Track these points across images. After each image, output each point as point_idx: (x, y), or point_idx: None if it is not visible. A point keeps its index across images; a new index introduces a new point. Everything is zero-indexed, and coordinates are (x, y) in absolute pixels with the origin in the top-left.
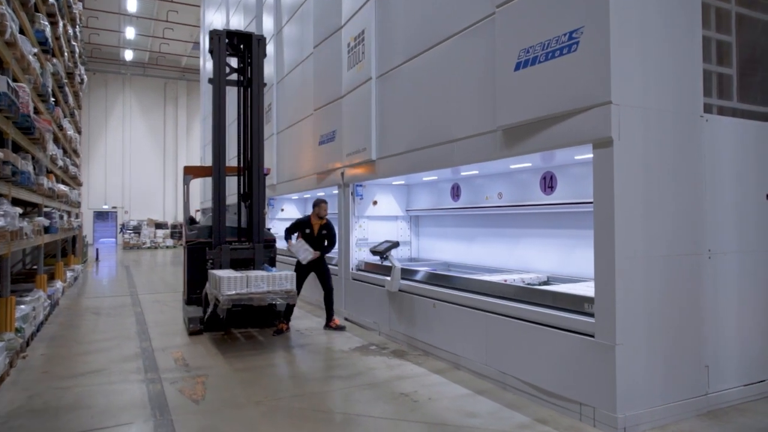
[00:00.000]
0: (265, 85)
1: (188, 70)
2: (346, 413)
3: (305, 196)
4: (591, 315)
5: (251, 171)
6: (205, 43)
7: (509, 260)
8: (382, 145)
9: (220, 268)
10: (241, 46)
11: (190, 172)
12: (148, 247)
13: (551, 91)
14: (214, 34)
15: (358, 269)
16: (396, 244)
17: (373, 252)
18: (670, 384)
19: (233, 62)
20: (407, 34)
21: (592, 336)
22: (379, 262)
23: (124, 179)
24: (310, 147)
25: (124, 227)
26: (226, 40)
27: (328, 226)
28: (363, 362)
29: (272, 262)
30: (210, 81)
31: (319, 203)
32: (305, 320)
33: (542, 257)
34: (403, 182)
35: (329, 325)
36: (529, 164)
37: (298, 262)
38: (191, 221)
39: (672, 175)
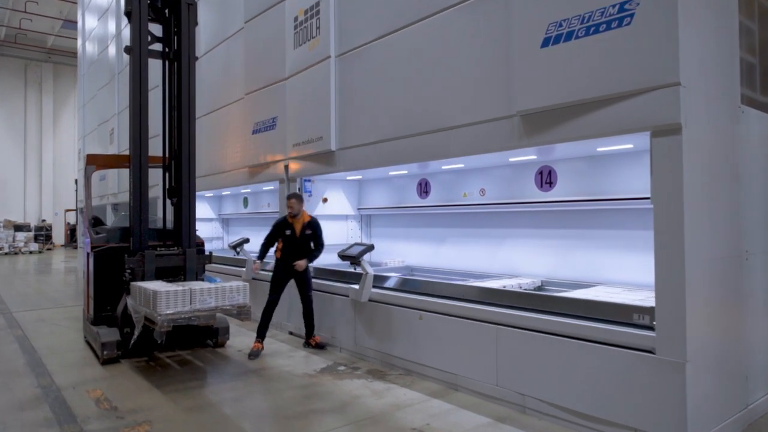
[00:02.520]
0: (197, 58)
1: (56, 51)
2: None
3: (224, 192)
4: (647, 328)
5: (179, 161)
6: (83, 21)
7: (492, 264)
8: (344, 134)
9: (143, 279)
10: (166, 11)
11: (95, 162)
12: (6, 253)
13: (593, 70)
14: None
15: None
16: (371, 248)
17: (343, 257)
18: (722, 400)
19: (155, 32)
20: (381, 6)
21: (651, 352)
22: (352, 268)
23: None
24: (240, 136)
25: None
26: (148, 2)
27: (313, 225)
28: (341, 389)
29: (203, 271)
30: (126, 50)
31: (288, 197)
32: (242, 337)
33: (533, 260)
34: (359, 177)
35: (308, 342)
36: (534, 157)
37: (277, 268)
38: (96, 222)
39: (719, 169)
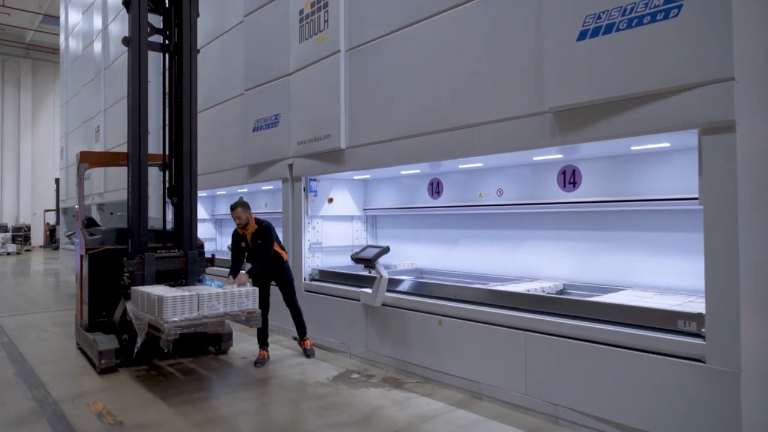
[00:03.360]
0: (198, 51)
1: (35, 46)
2: None
3: (218, 192)
4: (694, 335)
5: (180, 159)
6: (66, 16)
7: (508, 267)
8: (354, 132)
9: (142, 283)
10: (167, 1)
11: (89, 160)
12: None
13: (636, 65)
14: None
15: (312, 279)
16: (386, 250)
17: (357, 259)
18: None
19: (155, 23)
20: None
21: (700, 361)
22: (364, 271)
23: None
24: (238, 134)
25: None
26: None
27: (262, 232)
28: (360, 399)
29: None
30: (125, 41)
31: (232, 208)
32: (245, 343)
33: (553, 262)
34: (368, 176)
35: (300, 344)
36: (560, 156)
37: (260, 264)
38: (89, 222)
39: (760, 168)
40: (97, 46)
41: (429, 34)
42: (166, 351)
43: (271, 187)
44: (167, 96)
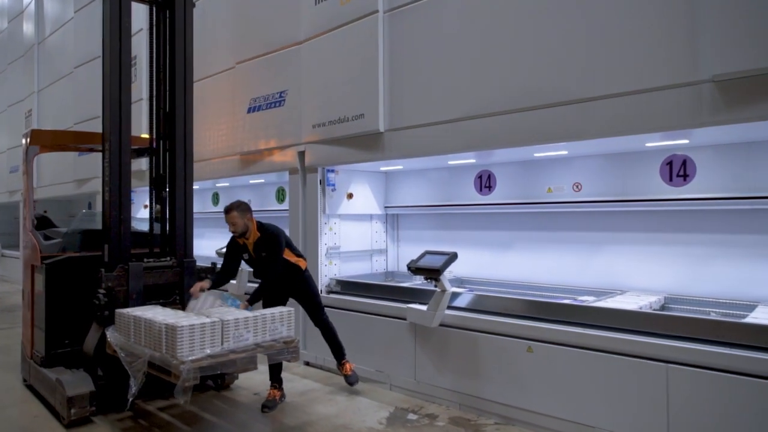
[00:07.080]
0: (193, 4)
1: None
2: None
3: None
4: None
5: (173, 142)
6: None
7: (582, 275)
8: (396, 111)
9: (126, 302)
10: None
11: (41, 142)
12: None
13: None
14: None
15: (330, 291)
16: (454, 257)
17: (416, 270)
18: None
19: None
20: None
21: None
22: (431, 285)
23: None
24: (227, 116)
25: None
26: None
27: (267, 242)
28: None
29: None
30: None
31: (226, 211)
32: (249, 373)
33: (646, 271)
34: (400, 167)
35: (339, 369)
36: (686, 141)
37: (265, 284)
38: (43, 223)
39: None
40: (27, 20)
41: None
42: (183, 402)
43: (262, 180)
44: (154, 62)
